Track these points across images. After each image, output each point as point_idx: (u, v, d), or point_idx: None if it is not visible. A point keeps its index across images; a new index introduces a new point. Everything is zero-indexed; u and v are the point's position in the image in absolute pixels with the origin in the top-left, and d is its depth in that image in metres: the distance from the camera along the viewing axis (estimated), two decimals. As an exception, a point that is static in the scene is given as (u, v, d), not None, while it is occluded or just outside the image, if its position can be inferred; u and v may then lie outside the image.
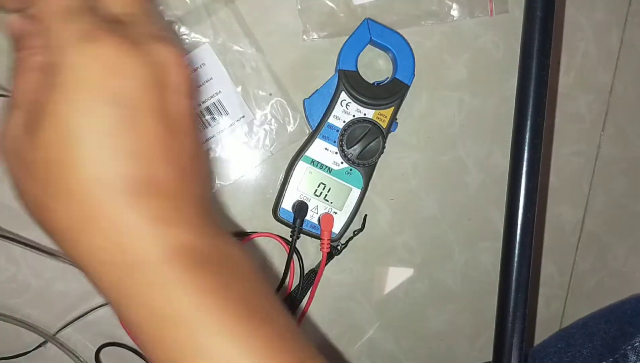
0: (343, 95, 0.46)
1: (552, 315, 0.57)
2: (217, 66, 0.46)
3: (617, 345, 0.46)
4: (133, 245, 0.25)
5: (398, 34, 0.47)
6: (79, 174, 0.25)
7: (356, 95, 0.46)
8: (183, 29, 0.44)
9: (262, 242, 0.49)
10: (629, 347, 0.45)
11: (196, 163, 0.28)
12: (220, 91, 0.46)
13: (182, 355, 0.25)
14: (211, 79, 0.46)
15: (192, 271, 0.26)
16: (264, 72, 0.47)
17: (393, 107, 0.47)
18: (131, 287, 0.25)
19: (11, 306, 0.46)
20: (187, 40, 0.45)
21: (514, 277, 0.44)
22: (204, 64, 0.45)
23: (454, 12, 0.50)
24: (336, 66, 0.47)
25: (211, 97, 0.46)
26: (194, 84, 0.29)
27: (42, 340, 0.46)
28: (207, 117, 0.46)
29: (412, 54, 0.47)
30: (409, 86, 0.47)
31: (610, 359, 0.45)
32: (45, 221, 0.27)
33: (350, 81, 0.46)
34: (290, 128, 0.48)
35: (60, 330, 0.47)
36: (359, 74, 0.47)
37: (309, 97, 0.47)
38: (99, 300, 0.47)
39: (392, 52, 0.47)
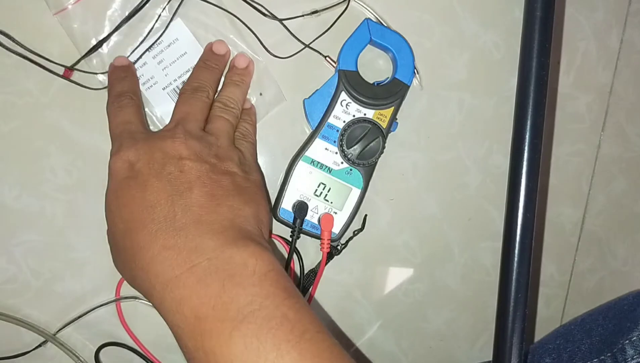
0: (343, 95, 0.46)
1: (552, 315, 0.57)
2: (190, 40, 0.46)
3: (615, 340, 0.46)
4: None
5: (398, 34, 0.47)
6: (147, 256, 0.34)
7: (356, 95, 0.46)
8: (155, 8, 0.45)
9: (262, 242, 0.49)
10: (627, 341, 0.45)
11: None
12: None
13: None
14: (185, 53, 0.46)
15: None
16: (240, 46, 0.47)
17: (393, 107, 0.47)
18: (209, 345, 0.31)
19: (11, 306, 0.46)
20: (160, 18, 0.45)
21: (513, 277, 0.44)
22: (177, 39, 0.46)
23: None
24: (336, 66, 0.47)
25: (187, 71, 0.46)
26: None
27: (42, 339, 0.46)
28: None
29: (412, 54, 0.47)
30: (408, 86, 0.47)
31: (609, 354, 0.45)
32: (131, 283, 0.37)
33: (350, 81, 0.46)
34: (268, 97, 0.48)
35: (60, 329, 0.47)
36: (359, 74, 0.47)
37: (309, 97, 0.47)
38: (99, 300, 0.47)
39: (392, 52, 0.47)
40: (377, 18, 0.48)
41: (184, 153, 0.37)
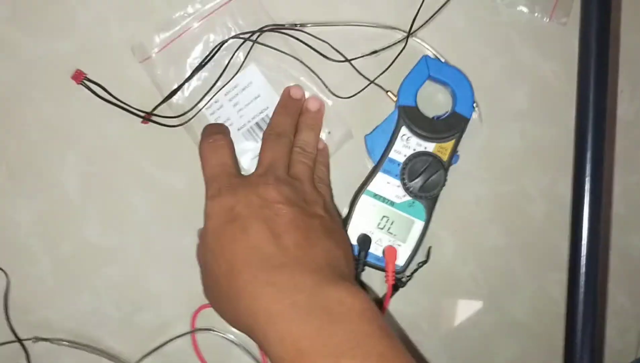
0: (404, 130, 0.48)
1: (626, 347, 0.55)
2: (263, 83, 0.49)
3: None
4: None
5: (456, 69, 0.48)
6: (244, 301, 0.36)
7: (416, 129, 0.47)
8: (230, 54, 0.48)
9: (328, 274, 0.51)
10: None
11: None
12: (267, 107, 0.49)
13: None
14: (259, 96, 0.49)
15: None
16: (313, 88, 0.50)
17: (454, 140, 0.48)
18: None
19: (95, 338, 0.49)
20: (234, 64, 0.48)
21: (580, 309, 0.44)
22: (251, 83, 0.49)
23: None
24: (396, 102, 0.49)
25: (260, 113, 0.49)
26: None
27: (123, 369, 0.49)
28: (258, 132, 0.49)
29: (471, 88, 0.48)
30: (468, 119, 0.48)
31: None
32: (233, 321, 0.40)
33: (410, 116, 0.48)
34: (336, 136, 0.50)
35: (140, 360, 0.49)
36: (418, 109, 0.48)
37: (370, 133, 0.49)
38: (175, 331, 0.50)
39: (451, 87, 0.48)
40: (434, 54, 0.50)
41: (278, 198, 0.40)
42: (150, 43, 0.48)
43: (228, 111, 0.49)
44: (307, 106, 0.48)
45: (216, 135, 0.45)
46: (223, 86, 0.48)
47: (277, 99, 0.49)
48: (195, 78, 0.48)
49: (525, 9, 0.51)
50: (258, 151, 0.46)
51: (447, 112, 0.49)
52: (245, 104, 0.49)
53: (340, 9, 0.50)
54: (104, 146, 0.49)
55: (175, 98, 0.48)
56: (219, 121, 0.49)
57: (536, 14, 0.51)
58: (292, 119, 0.47)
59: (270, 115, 0.48)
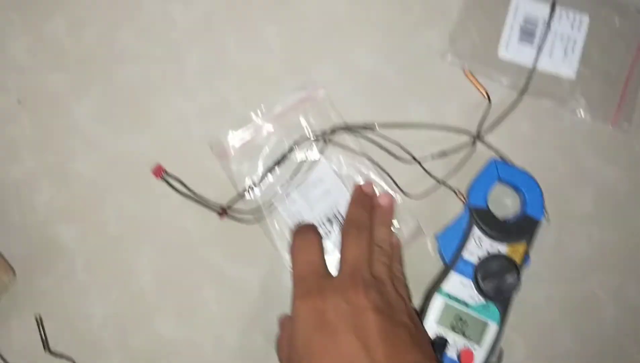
0: (476, 231, 0.48)
1: None
2: (334, 179, 0.51)
3: None
4: None
5: (525, 173, 0.50)
6: None
7: (488, 231, 0.48)
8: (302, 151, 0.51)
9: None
10: None
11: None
12: (338, 203, 0.50)
13: None
14: (329, 191, 0.51)
15: None
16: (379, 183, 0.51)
17: (525, 242, 0.48)
18: None
19: None
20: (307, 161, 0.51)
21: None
22: (322, 179, 0.51)
23: (579, 107, 0.53)
24: (465, 202, 0.50)
25: (331, 208, 0.50)
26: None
27: None
28: (329, 226, 0.50)
29: (541, 192, 0.49)
30: (540, 222, 0.49)
31: None
32: None
33: (481, 217, 0.48)
34: (406, 232, 0.51)
35: None
36: (489, 210, 0.49)
37: (442, 232, 0.49)
38: None
39: (521, 190, 0.49)
40: (501, 155, 0.51)
41: (366, 305, 0.39)
42: (226, 140, 0.51)
43: (300, 207, 0.50)
44: (379, 202, 0.49)
45: (306, 234, 0.45)
46: (295, 182, 0.50)
47: (347, 194, 0.50)
48: (269, 175, 0.50)
49: (586, 116, 0.53)
50: (330, 245, 0.47)
51: (517, 213, 0.50)
52: (317, 199, 0.50)
53: (410, 111, 0.52)
54: (179, 240, 0.50)
55: (249, 194, 0.50)
56: (292, 216, 0.50)
57: (598, 121, 0.53)
58: (367, 214, 0.47)
59: (341, 210, 0.49)
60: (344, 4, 0.54)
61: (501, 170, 0.50)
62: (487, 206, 0.49)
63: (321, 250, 0.45)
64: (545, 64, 0.53)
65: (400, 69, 0.53)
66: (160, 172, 0.50)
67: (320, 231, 0.49)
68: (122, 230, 0.50)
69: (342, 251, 0.44)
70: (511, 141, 0.52)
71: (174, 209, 0.50)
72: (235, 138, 0.51)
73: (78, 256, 0.50)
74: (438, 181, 0.51)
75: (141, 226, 0.50)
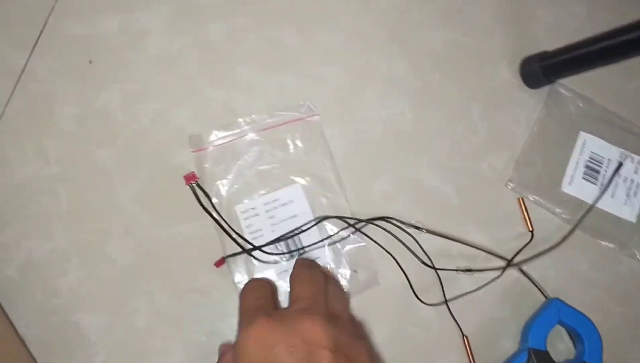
0: (535, 375, 0.46)
1: None
2: (303, 205, 0.49)
3: None
4: None
5: (588, 319, 0.48)
6: None
7: (549, 376, 0.45)
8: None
9: None
10: None
11: None
12: (300, 229, 0.49)
13: None
14: (295, 216, 0.49)
15: None
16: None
17: (583, 392, 0.46)
18: None
19: None
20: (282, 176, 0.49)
21: None
22: (292, 201, 0.49)
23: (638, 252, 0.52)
24: (521, 341, 0.47)
25: (290, 232, 0.48)
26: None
27: None
28: (284, 249, 0.48)
29: (601, 341, 0.47)
30: (598, 371, 0.46)
31: None
32: None
33: (540, 360, 0.46)
34: (362, 277, 0.48)
35: None
36: (548, 354, 0.46)
37: (498, 372, 0.46)
38: None
39: (581, 336, 0.47)
40: (539, 288, 0.50)
41: (323, 341, 0.34)
42: (207, 137, 0.49)
43: (262, 222, 0.48)
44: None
45: (258, 280, 0.41)
46: (264, 194, 0.49)
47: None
48: (241, 182, 0.49)
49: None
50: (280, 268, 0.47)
51: (575, 359, 0.48)
52: (281, 219, 0.48)
53: (458, 226, 0.51)
54: (212, 342, 0.46)
55: (215, 193, 0.48)
56: (251, 230, 0.48)
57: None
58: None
59: (302, 239, 0.48)
60: (411, 121, 0.52)
61: (562, 312, 0.47)
62: (547, 350, 0.46)
63: (274, 291, 0.40)
64: (606, 204, 0.52)
65: (461, 188, 0.52)
66: (220, 263, 0.47)
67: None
68: (151, 325, 0.46)
69: (296, 286, 0.39)
70: (559, 277, 0.51)
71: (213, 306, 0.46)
72: (216, 138, 0.49)
73: (101, 348, 0.45)
74: (446, 302, 0.49)
75: (172, 323, 0.46)
